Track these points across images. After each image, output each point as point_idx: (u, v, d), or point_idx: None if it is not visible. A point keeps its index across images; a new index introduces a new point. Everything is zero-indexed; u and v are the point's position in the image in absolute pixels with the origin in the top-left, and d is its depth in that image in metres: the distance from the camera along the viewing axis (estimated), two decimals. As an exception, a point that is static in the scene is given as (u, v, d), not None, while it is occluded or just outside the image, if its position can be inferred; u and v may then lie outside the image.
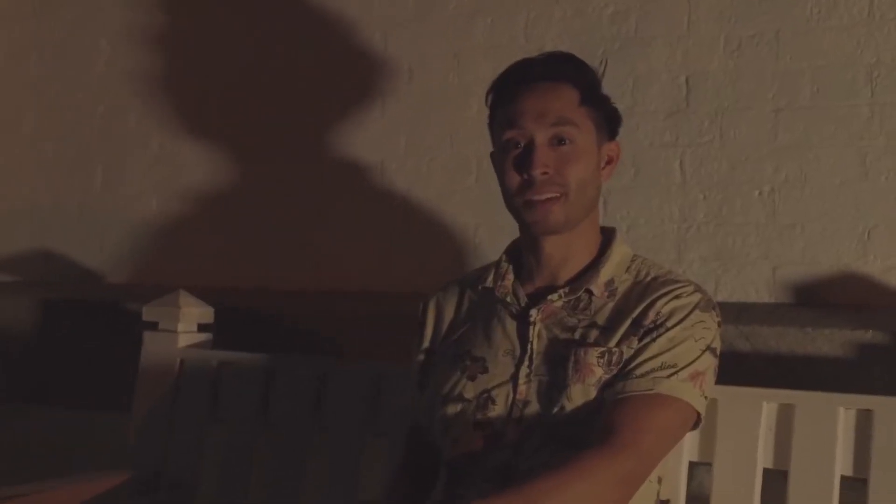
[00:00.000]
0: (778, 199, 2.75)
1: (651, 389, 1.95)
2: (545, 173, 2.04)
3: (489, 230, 3.05)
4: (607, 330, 2.03)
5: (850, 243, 2.67)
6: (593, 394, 1.99)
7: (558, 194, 2.04)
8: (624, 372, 1.99)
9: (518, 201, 2.07)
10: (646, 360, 1.98)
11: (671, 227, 2.86)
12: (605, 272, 2.10)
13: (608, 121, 2.14)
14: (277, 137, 3.49)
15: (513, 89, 2.11)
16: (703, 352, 2.00)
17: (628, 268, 2.12)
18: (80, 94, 3.89)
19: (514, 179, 2.07)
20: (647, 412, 1.94)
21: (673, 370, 1.97)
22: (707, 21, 2.86)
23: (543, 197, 2.04)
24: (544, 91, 2.08)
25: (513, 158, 2.07)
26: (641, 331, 2.01)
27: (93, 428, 3.46)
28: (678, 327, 2.00)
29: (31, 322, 3.73)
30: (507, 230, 2.22)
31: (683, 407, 1.98)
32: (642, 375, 1.97)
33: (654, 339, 1.99)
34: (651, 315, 2.02)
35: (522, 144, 2.07)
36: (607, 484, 1.88)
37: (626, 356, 2.00)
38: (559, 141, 2.05)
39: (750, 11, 2.80)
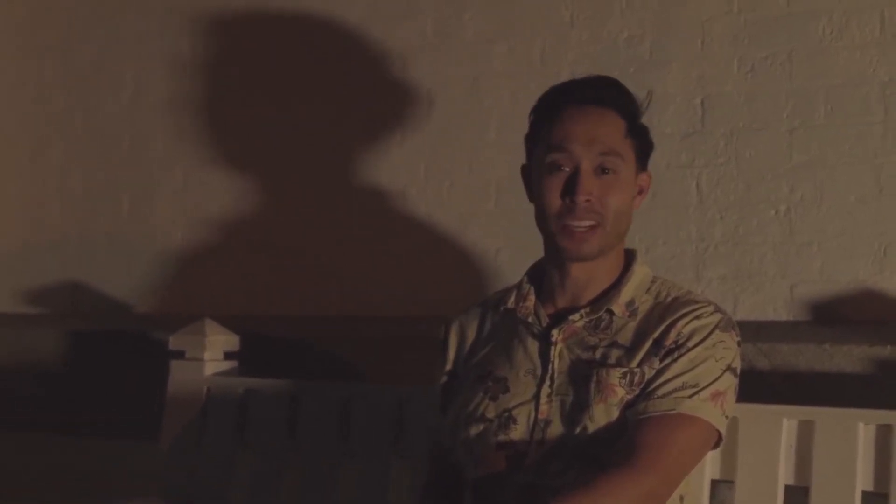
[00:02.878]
0: (794, 217, 2.76)
1: (673, 409, 1.97)
2: (588, 200, 2.05)
3: (510, 253, 3.07)
4: (629, 350, 2.05)
5: (866, 260, 2.68)
6: (616, 414, 2.00)
7: (595, 223, 2.06)
8: (646, 392, 2.00)
9: (555, 225, 2.08)
10: (667, 381, 1.99)
11: (689, 248, 2.88)
12: (626, 292, 2.11)
13: (644, 151, 2.17)
14: (300, 165, 3.52)
15: (561, 109, 2.11)
16: (724, 371, 2.02)
17: (648, 288, 2.14)
18: (105, 125, 3.93)
19: (556, 203, 2.08)
20: (670, 432, 1.96)
21: (694, 390, 1.98)
22: (721, 43, 2.88)
23: (583, 225, 2.06)
24: (593, 117, 2.09)
25: (557, 182, 2.08)
26: (662, 351, 2.02)
27: (122, 456, 3.48)
28: (699, 347, 2.01)
29: (59, 353, 3.76)
30: (528, 253, 2.25)
31: (705, 426, 1.99)
32: (664, 396, 1.98)
33: (675, 360, 2.01)
34: (672, 335, 2.03)
35: (567, 169, 2.08)
36: (631, 502, 1.91)
37: (647, 376, 2.02)
38: (603, 170, 2.07)
39: (763, 33, 2.82)
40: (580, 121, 2.09)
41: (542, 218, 2.12)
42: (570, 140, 2.07)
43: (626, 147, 2.09)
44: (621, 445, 1.98)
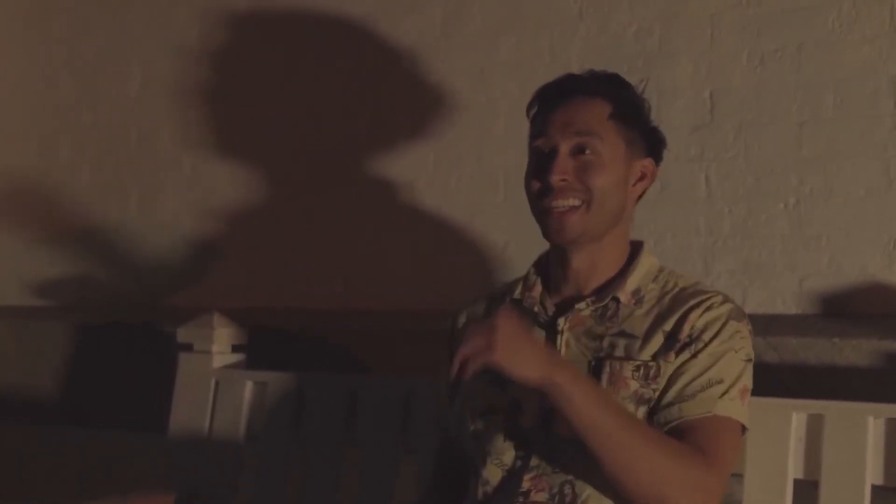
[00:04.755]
0: (803, 210, 2.75)
1: (709, 412, 1.98)
2: (563, 180, 2.07)
3: (518, 246, 3.07)
4: (636, 340, 2.06)
5: (875, 253, 2.67)
6: (628, 406, 2.01)
7: (579, 202, 2.07)
8: (670, 391, 2.01)
9: (535, 207, 2.12)
10: (693, 380, 2.00)
11: (697, 241, 2.87)
12: (632, 281, 2.13)
13: (645, 139, 2.17)
14: (308, 158, 3.53)
15: (547, 102, 2.15)
16: (746, 363, 2.04)
17: (655, 277, 2.15)
18: (113, 118, 3.94)
19: (534, 185, 2.12)
20: (717, 435, 1.98)
21: (722, 387, 2.00)
22: (730, 36, 2.87)
23: (564, 205, 2.07)
24: (575, 104, 2.12)
25: (534, 165, 2.12)
26: (678, 345, 2.03)
27: (129, 449, 3.50)
28: (716, 341, 2.03)
29: (68, 346, 3.77)
30: (537, 246, 2.24)
31: (737, 426, 2.03)
32: (693, 396, 1.99)
33: (693, 356, 2.02)
34: (686, 329, 2.04)
35: (546, 152, 2.10)
36: (701, 492, 1.92)
37: (663, 371, 2.02)
38: (581, 151, 2.08)
39: (772, 25, 2.81)
40: (562, 108, 2.12)
41: (529, 204, 2.15)
42: (550, 125, 2.11)
43: (609, 129, 2.11)
44: None
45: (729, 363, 2.02)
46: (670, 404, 2.00)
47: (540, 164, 2.11)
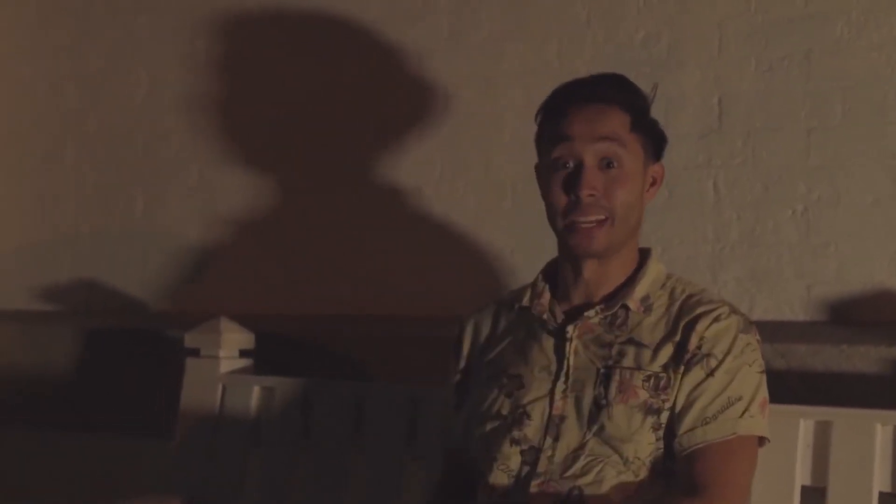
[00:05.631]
0: (811, 218, 2.75)
1: (732, 433, 1.99)
2: (592, 195, 2.06)
3: (525, 253, 3.07)
4: (646, 349, 2.06)
5: (883, 261, 2.67)
6: (636, 416, 2.01)
7: (604, 217, 2.07)
8: (688, 413, 2.01)
9: (561, 222, 2.10)
10: (712, 401, 2.00)
11: (705, 248, 2.87)
12: (641, 288, 2.12)
13: (654, 143, 2.17)
14: (315, 164, 3.53)
15: (564, 108, 2.13)
16: (761, 375, 2.05)
17: (663, 284, 2.15)
18: (119, 123, 3.94)
19: (561, 199, 2.09)
20: (734, 458, 1.99)
21: (743, 405, 2.00)
22: (738, 43, 2.87)
23: (590, 220, 2.06)
24: (596, 113, 2.10)
25: (560, 178, 2.10)
26: (686, 356, 2.03)
27: (136, 454, 3.50)
28: (729, 357, 2.02)
29: (74, 351, 3.77)
30: (544, 252, 2.25)
31: (757, 440, 2.04)
32: (715, 417, 1.99)
33: (710, 374, 2.01)
34: (694, 340, 2.03)
35: (571, 165, 2.09)
36: None
37: (673, 382, 2.02)
38: (608, 164, 2.07)
39: (780, 33, 2.82)
40: (582, 118, 2.10)
41: (550, 216, 2.13)
42: (573, 137, 2.09)
43: (632, 141, 2.10)
44: (686, 477, 1.99)
45: (745, 378, 2.02)
46: (692, 429, 2.00)
47: (567, 177, 2.09)
